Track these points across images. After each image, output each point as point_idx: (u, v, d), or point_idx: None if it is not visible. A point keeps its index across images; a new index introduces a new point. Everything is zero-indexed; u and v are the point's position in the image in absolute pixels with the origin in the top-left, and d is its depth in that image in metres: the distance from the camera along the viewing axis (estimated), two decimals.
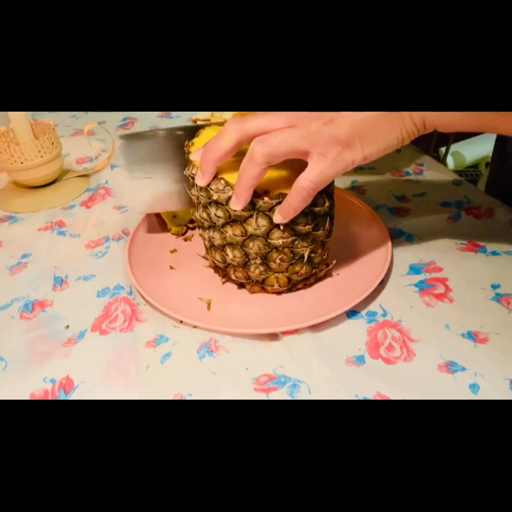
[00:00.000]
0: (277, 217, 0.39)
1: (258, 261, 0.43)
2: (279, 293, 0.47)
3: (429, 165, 0.69)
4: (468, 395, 0.37)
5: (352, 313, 0.45)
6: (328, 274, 0.48)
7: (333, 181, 0.44)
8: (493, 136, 0.72)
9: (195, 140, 0.46)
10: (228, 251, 0.44)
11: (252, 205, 0.40)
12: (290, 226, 0.41)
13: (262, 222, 0.41)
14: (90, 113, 0.96)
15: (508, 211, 0.56)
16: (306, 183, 0.37)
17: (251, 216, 0.41)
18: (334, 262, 0.47)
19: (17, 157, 0.63)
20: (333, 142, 0.36)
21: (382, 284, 0.47)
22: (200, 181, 0.41)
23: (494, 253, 0.50)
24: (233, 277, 0.47)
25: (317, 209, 0.42)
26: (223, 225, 0.42)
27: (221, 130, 0.39)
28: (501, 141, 0.70)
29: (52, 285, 0.51)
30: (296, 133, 0.36)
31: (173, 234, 0.56)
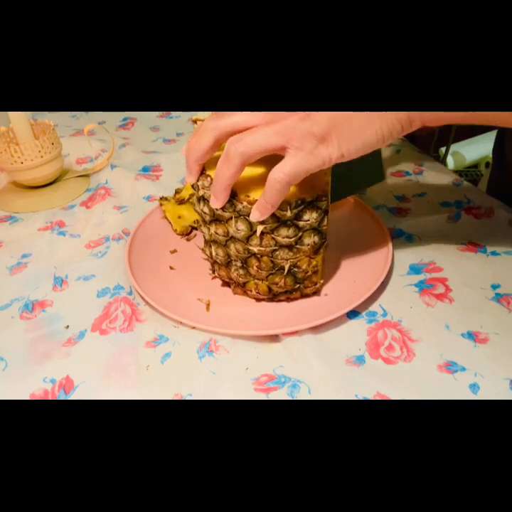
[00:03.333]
0: (255, 214, 0.38)
1: (238, 264, 0.43)
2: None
3: (429, 165, 0.69)
4: (468, 395, 0.37)
5: (352, 313, 0.45)
6: (316, 293, 0.46)
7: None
8: (493, 137, 0.72)
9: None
10: (213, 248, 0.44)
11: (232, 207, 0.39)
12: (270, 235, 0.40)
13: (242, 226, 0.40)
14: (90, 113, 0.96)
15: (508, 211, 0.56)
16: (279, 175, 0.36)
17: (231, 218, 0.40)
18: (322, 281, 0.45)
19: (17, 157, 0.63)
20: (308, 136, 0.35)
21: (383, 284, 0.47)
22: (189, 178, 0.42)
23: (494, 253, 0.50)
24: (217, 274, 0.47)
25: (301, 223, 0.40)
26: (209, 222, 0.42)
27: (200, 127, 0.39)
28: (500, 143, 0.70)
29: (52, 285, 0.51)
30: (270, 130, 0.36)
31: (178, 234, 0.56)
